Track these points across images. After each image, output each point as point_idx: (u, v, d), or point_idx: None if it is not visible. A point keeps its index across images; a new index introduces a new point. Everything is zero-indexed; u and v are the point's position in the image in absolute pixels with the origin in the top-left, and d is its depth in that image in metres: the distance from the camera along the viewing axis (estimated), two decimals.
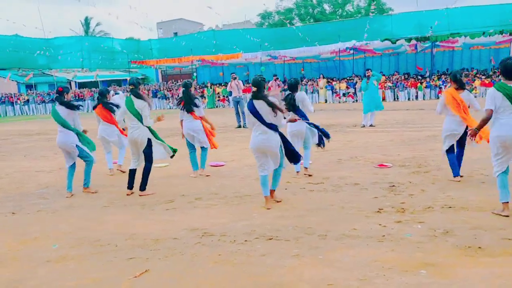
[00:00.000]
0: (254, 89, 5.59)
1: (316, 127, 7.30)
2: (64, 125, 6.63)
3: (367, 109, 13.77)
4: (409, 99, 26.27)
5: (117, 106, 7.76)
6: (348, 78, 29.66)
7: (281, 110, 5.49)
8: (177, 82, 39.26)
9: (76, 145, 6.75)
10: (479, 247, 3.95)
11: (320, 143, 7.28)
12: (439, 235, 4.33)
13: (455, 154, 6.57)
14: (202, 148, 7.84)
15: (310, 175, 7.31)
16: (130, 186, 6.73)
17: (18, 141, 15.63)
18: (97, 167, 8.63)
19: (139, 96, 6.65)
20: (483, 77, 26.12)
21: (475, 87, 25.20)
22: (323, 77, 28.72)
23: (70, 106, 6.69)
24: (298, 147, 7.24)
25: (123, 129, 8.12)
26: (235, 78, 16.84)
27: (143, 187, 6.66)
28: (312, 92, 28.40)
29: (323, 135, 7.33)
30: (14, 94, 36.12)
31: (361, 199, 5.81)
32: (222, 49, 37.02)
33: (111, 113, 7.89)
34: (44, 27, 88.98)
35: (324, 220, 4.99)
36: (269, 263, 3.85)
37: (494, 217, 4.79)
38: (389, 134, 12.05)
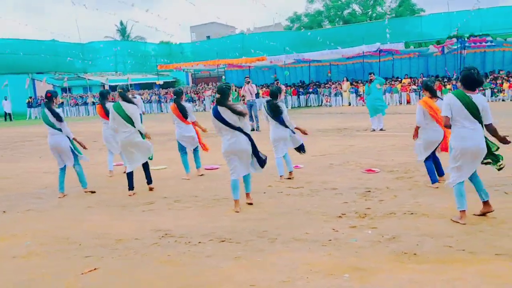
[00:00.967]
0: (217, 96, 5.86)
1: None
2: (54, 127, 7.01)
3: (372, 113, 13.77)
4: None
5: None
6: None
7: (243, 115, 5.71)
8: (208, 85, 39.88)
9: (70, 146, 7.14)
10: (415, 254, 4.04)
11: (300, 149, 7.50)
12: (383, 241, 4.43)
13: (431, 160, 6.59)
14: (194, 150, 8.15)
15: (291, 178, 7.47)
16: (131, 186, 7.07)
17: (41, 142, 16.33)
18: (96, 169, 9.07)
19: (128, 101, 6.98)
20: None
21: (503, 90, 24.51)
22: (347, 80, 28.55)
23: (55, 114, 7.05)
24: (284, 152, 7.46)
25: None
26: (248, 82, 17.06)
27: (150, 179, 7.16)
28: (335, 95, 28.30)
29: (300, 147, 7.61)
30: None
31: (330, 204, 5.93)
32: (250, 52, 37.42)
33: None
34: (83, 32, 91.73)
35: (283, 224, 5.16)
36: (209, 264, 4.06)
37: (450, 225, 4.84)
38: (395, 138, 11.99)
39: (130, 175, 7.07)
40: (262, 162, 6.02)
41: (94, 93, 37.82)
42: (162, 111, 33.63)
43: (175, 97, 8.10)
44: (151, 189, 7.16)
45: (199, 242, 4.68)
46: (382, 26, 36.57)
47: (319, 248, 4.32)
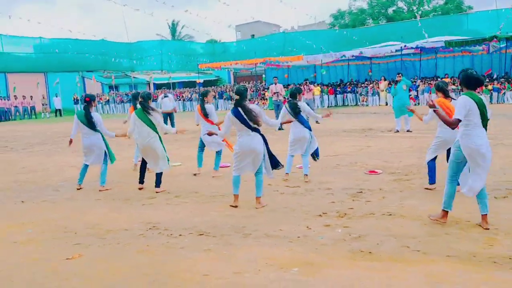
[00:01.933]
0: (236, 97, 6.15)
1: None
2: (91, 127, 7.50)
3: (397, 114, 13.73)
4: None
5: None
6: (411, 80, 28.85)
7: (257, 118, 5.95)
8: (248, 83, 40.37)
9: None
10: (370, 252, 4.25)
11: (315, 155, 7.72)
12: (348, 239, 4.65)
13: (435, 161, 6.65)
14: (217, 152, 8.48)
15: (307, 182, 7.59)
16: (141, 180, 7.58)
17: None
18: (115, 164, 9.63)
19: (147, 111, 7.26)
20: None
21: None
22: (385, 79, 28.21)
23: (89, 121, 7.50)
24: (298, 153, 7.69)
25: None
26: (275, 83, 17.33)
27: (158, 184, 7.41)
28: (372, 94, 28.06)
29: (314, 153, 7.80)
30: (97, 94, 39.17)
31: (317, 203, 6.16)
32: (290, 51, 37.66)
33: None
34: (136, 31, 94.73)
35: (263, 221, 5.45)
36: (179, 255, 4.43)
37: (420, 227, 4.98)
38: (415, 140, 11.96)
39: (142, 169, 7.54)
40: (274, 164, 6.19)
41: (139, 91, 39.14)
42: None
43: (201, 97, 8.49)
44: (156, 192, 7.33)
45: (180, 235, 5.05)
46: (424, 24, 35.91)
47: (285, 244, 4.59)
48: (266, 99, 30.83)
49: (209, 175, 8.41)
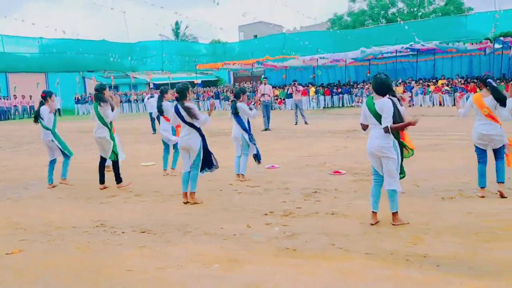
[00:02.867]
0: (177, 95, 6.39)
1: (253, 143, 7.82)
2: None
3: None
4: None
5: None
6: (405, 81, 28.88)
7: (195, 115, 6.19)
8: (245, 84, 40.50)
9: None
10: (294, 250, 4.37)
11: (256, 158, 7.88)
12: (281, 237, 4.77)
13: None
14: (174, 148, 8.66)
15: (243, 181, 7.79)
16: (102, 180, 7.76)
17: (69, 137, 17.49)
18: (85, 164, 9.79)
19: (102, 101, 7.51)
20: None
21: None
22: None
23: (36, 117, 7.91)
24: (240, 153, 7.84)
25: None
26: (264, 83, 17.48)
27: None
28: (367, 96, 28.06)
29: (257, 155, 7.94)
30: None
31: (270, 203, 6.28)
32: (292, 52, 37.75)
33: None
34: (140, 31, 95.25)
35: (209, 220, 5.58)
36: (114, 251, 4.57)
37: (358, 225, 5.09)
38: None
39: (101, 169, 7.71)
40: (208, 164, 6.44)
41: (137, 91, 39.44)
42: (200, 109, 34.55)
43: (159, 95, 8.58)
44: (118, 187, 7.57)
45: (123, 232, 5.20)
46: (423, 26, 35.93)
47: (219, 241, 4.73)
48: (277, 98, 30.95)
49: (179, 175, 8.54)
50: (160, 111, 8.47)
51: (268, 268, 3.93)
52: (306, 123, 17.81)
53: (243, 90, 8.07)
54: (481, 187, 6.08)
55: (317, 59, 29.69)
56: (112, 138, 7.59)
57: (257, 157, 7.95)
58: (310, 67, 35.11)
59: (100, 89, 7.64)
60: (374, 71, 35.15)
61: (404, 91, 27.15)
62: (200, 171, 6.43)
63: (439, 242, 4.40)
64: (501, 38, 23.72)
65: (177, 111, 6.39)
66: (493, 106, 5.89)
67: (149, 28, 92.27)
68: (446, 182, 7.00)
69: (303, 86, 27.35)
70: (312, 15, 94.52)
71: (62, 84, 37.92)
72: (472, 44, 25.60)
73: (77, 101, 37.48)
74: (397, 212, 4.98)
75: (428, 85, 26.77)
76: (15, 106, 34.29)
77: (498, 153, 6.06)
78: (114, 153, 7.60)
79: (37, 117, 7.90)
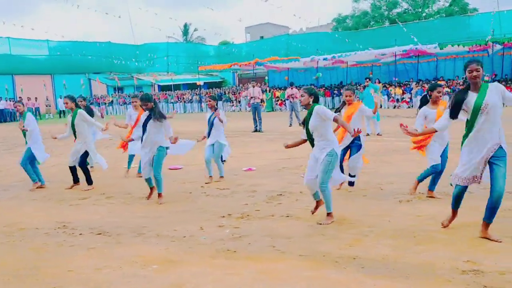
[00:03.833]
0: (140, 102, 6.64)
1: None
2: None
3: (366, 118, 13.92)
4: None
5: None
6: (404, 83, 28.87)
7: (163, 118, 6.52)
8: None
9: None
10: (235, 251, 4.52)
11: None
12: (227, 239, 4.92)
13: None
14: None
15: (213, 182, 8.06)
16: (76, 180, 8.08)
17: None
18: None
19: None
20: None
21: None
22: (379, 82, 28.22)
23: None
24: (212, 156, 8.04)
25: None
26: (253, 86, 17.63)
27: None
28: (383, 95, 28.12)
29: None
30: (101, 95, 39.97)
31: (231, 205, 6.44)
32: (295, 53, 37.89)
33: None
34: (149, 33, 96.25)
35: (167, 222, 5.75)
36: (64, 252, 4.75)
37: (307, 227, 5.22)
38: (376, 144, 12.12)
39: (74, 170, 8.00)
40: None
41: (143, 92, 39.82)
42: (202, 111, 34.87)
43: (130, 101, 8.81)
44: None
45: (80, 234, 5.39)
46: (427, 26, 35.83)
47: (166, 243, 4.89)
48: (264, 101, 31.13)
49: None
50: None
51: (199, 269, 4.08)
52: (300, 125, 17.89)
53: (213, 97, 8.27)
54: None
55: (317, 61, 29.80)
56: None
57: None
58: (312, 68, 35.25)
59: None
60: (376, 72, 35.26)
61: (403, 92, 27.22)
62: None
63: (374, 245, 4.52)
64: (499, 45, 23.61)
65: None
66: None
67: (158, 31, 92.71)
68: (409, 185, 7.09)
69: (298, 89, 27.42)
70: (317, 16, 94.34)
71: (68, 86, 38.48)
72: (472, 46, 25.42)
73: None
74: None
75: (424, 87, 26.71)
76: None
77: None
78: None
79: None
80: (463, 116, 4.55)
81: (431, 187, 6.36)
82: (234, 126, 19.17)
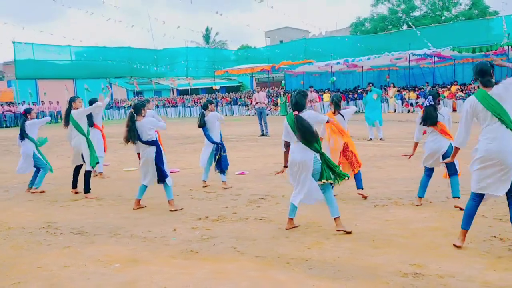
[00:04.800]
0: (132, 111, 6.77)
1: (220, 154, 8.09)
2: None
3: (369, 122, 13.98)
4: None
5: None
6: (419, 87, 28.63)
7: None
8: (271, 89, 40.91)
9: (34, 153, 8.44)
10: (197, 252, 4.73)
11: (217, 168, 8.10)
12: (195, 241, 5.13)
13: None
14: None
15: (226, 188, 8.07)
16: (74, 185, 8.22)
17: None
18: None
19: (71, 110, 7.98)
20: None
21: None
22: (394, 86, 28.12)
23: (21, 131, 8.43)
24: (207, 162, 8.19)
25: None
26: (257, 91, 17.83)
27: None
28: (381, 101, 27.95)
29: (220, 164, 8.12)
30: (120, 100, 40.76)
31: (212, 208, 6.64)
32: (313, 57, 37.96)
33: None
34: (171, 37, 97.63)
35: (145, 223, 5.99)
36: (39, 251, 5.04)
37: (275, 230, 5.39)
38: (383, 148, 12.16)
39: (75, 174, 8.22)
40: (161, 175, 6.65)
41: (159, 97, 40.48)
42: (217, 112, 35.29)
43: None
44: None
45: (61, 233, 5.67)
46: (446, 30, 35.44)
47: (136, 243, 5.13)
48: (279, 105, 31.34)
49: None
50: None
51: (157, 268, 4.30)
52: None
53: (210, 101, 8.42)
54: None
55: (331, 66, 29.84)
56: (90, 146, 7.94)
57: (221, 166, 8.07)
58: (327, 72, 35.25)
59: (70, 101, 7.98)
60: (393, 76, 35.04)
61: (417, 97, 27.01)
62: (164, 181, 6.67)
63: (332, 248, 4.66)
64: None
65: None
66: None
67: (181, 35, 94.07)
68: (391, 191, 7.20)
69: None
70: (337, 20, 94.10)
71: (91, 90, 39.37)
72: (488, 51, 25.06)
73: None
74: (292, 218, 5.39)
75: (443, 91, 26.45)
76: (42, 111, 35.76)
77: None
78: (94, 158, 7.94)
79: (22, 131, 8.42)
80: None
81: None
82: (241, 131, 19.42)
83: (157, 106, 37.68)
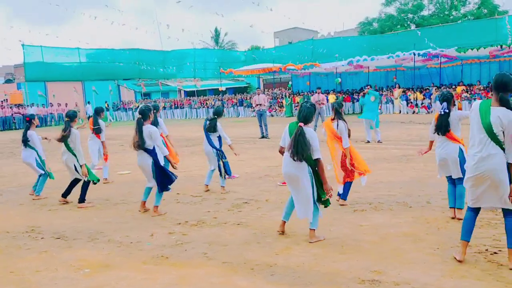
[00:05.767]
0: (139, 116, 6.84)
1: (223, 162, 8.16)
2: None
3: (366, 125, 13.99)
4: None
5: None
6: (425, 87, 28.48)
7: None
8: (278, 90, 40.95)
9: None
10: (167, 257, 4.82)
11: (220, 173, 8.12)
12: (169, 246, 5.22)
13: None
14: None
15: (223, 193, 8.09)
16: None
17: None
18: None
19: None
20: None
21: None
22: (399, 87, 28.01)
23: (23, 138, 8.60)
24: (213, 166, 8.22)
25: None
26: (258, 94, 17.89)
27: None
28: (386, 102, 27.91)
29: (225, 170, 8.16)
30: (128, 101, 41.12)
31: (194, 212, 6.74)
32: (320, 58, 37.96)
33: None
34: (180, 38, 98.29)
35: (124, 227, 6.10)
36: (17, 255, 5.17)
37: (247, 236, 5.46)
38: (380, 151, 12.15)
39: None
40: (161, 185, 6.76)
41: (166, 99, 40.76)
42: (224, 116, 35.46)
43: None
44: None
45: (42, 238, 5.80)
46: (455, 29, 35.19)
47: (112, 248, 5.24)
48: (283, 106, 31.39)
49: (141, 184, 9.10)
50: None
51: (125, 274, 4.40)
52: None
53: (221, 109, 8.49)
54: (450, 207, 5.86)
55: (336, 68, 29.83)
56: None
57: (226, 171, 8.11)
58: (333, 73, 35.21)
59: (71, 117, 7.97)
60: (400, 77, 34.85)
61: (423, 98, 26.89)
62: (164, 190, 6.77)
63: (300, 253, 4.73)
64: None
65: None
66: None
67: (190, 36, 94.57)
68: (374, 195, 7.23)
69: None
70: (347, 20, 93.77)
71: (99, 92, 39.85)
72: (492, 50, 24.87)
73: (107, 109, 39.13)
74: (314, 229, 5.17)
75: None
76: (51, 113, 36.27)
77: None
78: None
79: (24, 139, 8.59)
80: None
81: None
82: (241, 132, 19.51)
83: (164, 108, 37.92)
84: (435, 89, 26.93)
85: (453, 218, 5.66)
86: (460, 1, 42.38)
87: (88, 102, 38.53)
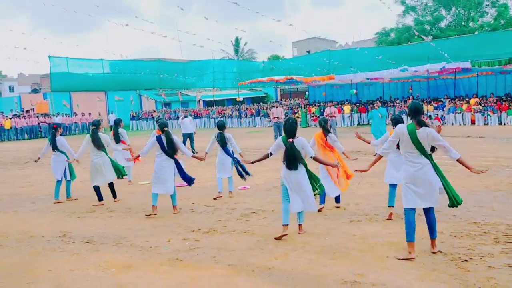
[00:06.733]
0: (165, 128, 8.02)
1: (240, 165, 9.01)
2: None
3: (373, 134, 14.61)
4: (500, 123, 24.74)
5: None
6: (439, 99, 28.84)
7: (176, 146, 8.04)
8: (295, 100, 41.69)
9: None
10: (181, 260, 5.56)
11: (242, 176, 9.09)
12: (183, 250, 5.96)
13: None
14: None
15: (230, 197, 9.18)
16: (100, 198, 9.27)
17: None
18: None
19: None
20: None
21: None
22: (413, 98, 28.44)
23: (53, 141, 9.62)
24: (224, 175, 9.08)
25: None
26: (276, 107, 18.64)
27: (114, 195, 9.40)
28: (400, 113, 28.33)
29: (244, 172, 9.05)
30: (149, 111, 42.29)
31: (206, 221, 7.48)
32: (336, 69, 38.65)
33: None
34: (204, 48, 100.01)
35: (145, 234, 6.87)
36: (52, 256, 5.97)
37: (252, 242, 6.17)
38: (377, 164, 12.71)
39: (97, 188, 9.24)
40: (187, 179, 8.11)
41: (186, 108, 41.80)
42: (241, 125, 36.31)
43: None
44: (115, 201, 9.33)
45: (73, 242, 6.61)
46: (470, 42, 35.43)
47: (134, 251, 6.01)
48: (299, 116, 32.09)
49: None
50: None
51: (145, 274, 5.16)
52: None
53: (224, 122, 9.42)
54: None
55: (350, 80, 30.44)
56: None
57: (245, 171, 9.09)
58: (348, 84, 35.79)
59: (97, 124, 9.17)
60: (416, 88, 35.25)
61: (433, 109, 27.26)
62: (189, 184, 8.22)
63: (296, 259, 5.42)
64: None
65: (160, 141, 7.98)
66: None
67: (212, 46, 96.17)
68: (371, 207, 7.87)
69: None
70: (366, 30, 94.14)
71: (119, 102, 41.13)
72: (506, 64, 25.14)
73: (132, 118, 40.35)
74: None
75: (461, 104, 26.64)
76: (75, 122, 37.59)
77: None
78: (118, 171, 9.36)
79: (54, 145, 9.64)
80: None
81: None
82: (258, 142, 20.23)
83: (185, 117, 38.80)
84: (449, 101, 27.30)
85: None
86: (477, 12, 42.54)
87: (112, 112, 39.76)
